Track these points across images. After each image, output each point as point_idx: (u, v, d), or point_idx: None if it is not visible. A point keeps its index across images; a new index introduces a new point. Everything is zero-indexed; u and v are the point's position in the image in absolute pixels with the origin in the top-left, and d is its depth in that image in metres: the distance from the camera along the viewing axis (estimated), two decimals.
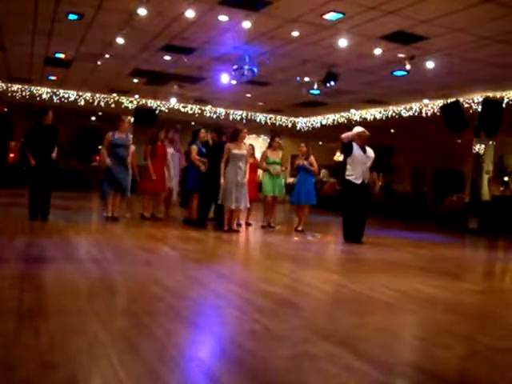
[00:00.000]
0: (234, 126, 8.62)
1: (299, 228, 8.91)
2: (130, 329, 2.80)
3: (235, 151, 7.76)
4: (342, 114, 17.20)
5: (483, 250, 9.46)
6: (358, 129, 7.82)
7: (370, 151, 7.74)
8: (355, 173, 7.49)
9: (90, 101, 16.83)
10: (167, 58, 11.21)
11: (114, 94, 16.78)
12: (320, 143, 23.62)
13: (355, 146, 7.55)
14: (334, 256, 7.03)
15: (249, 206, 8.27)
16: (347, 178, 7.56)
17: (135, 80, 14.10)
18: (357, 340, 2.89)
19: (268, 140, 10.53)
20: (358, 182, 7.48)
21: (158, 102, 17.46)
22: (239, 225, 8.79)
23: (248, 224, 9.23)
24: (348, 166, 7.56)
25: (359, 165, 7.51)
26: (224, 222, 7.90)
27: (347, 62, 10.40)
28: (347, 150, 7.61)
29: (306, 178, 8.86)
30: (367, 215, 7.68)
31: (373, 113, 15.91)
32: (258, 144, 17.33)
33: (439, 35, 8.33)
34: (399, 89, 12.55)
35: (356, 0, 7.18)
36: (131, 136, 8.41)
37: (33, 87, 16.11)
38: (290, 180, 9.85)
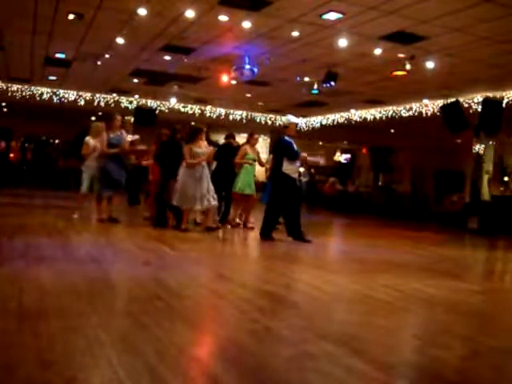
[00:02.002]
0: (195, 126, 8.47)
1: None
2: (130, 329, 2.80)
3: (196, 149, 7.62)
4: (342, 114, 17.18)
5: (483, 250, 9.45)
6: (292, 119, 7.68)
7: (295, 144, 7.58)
8: (293, 167, 7.40)
9: (90, 101, 16.82)
10: (167, 57, 11.20)
11: (114, 94, 16.77)
12: (320, 143, 23.63)
13: (292, 141, 7.43)
14: (333, 256, 7.03)
15: (215, 203, 7.93)
16: (285, 172, 7.35)
17: (135, 80, 14.09)
18: (357, 340, 2.89)
19: (268, 140, 10.49)
20: (295, 176, 7.47)
21: (158, 102, 17.46)
22: (252, 227, 8.76)
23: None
24: (285, 162, 7.35)
25: (294, 161, 7.45)
26: (183, 221, 7.66)
27: (347, 62, 10.39)
28: (294, 150, 7.43)
29: None
30: (299, 209, 7.59)
31: (373, 113, 15.89)
32: (258, 144, 17.27)
33: (439, 35, 8.33)
34: (399, 89, 12.53)
35: (356, 0, 7.18)
36: (125, 133, 8.32)
37: (33, 87, 16.09)
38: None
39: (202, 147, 7.76)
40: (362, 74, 11.38)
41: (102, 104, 16.96)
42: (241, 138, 10.95)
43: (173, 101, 17.14)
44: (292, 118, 7.73)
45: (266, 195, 8.69)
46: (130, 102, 17.22)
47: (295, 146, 7.42)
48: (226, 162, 8.63)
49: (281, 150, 7.55)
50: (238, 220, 8.95)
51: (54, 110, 17.23)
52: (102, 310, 3.16)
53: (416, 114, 14.41)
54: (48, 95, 16.36)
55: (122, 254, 5.60)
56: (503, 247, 10.43)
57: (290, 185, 7.38)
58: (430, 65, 9.87)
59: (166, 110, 17.61)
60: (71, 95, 16.57)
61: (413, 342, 3.14)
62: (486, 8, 6.99)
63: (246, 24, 8.42)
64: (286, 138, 7.52)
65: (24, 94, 16.12)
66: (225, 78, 11.59)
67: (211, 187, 7.71)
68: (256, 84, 13.11)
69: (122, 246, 6.07)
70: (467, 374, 2.59)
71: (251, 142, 9.08)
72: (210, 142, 8.73)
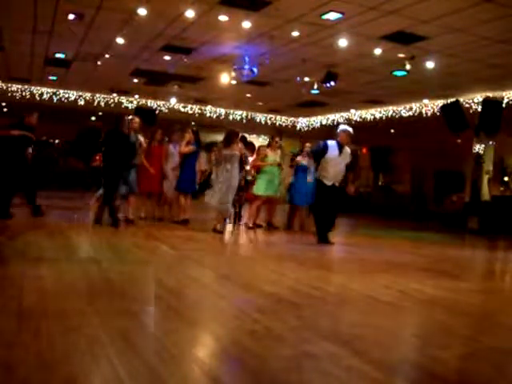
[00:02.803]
0: (231, 129, 8.43)
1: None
2: (130, 329, 2.80)
3: (226, 152, 7.73)
4: (342, 114, 17.20)
5: (483, 250, 9.45)
6: (347, 128, 7.58)
7: (346, 152, 7.48)
8: (327, 174, 7.32)
9: (90, 101, 16.83)
10: (167, 57, 11.20)
11: (114, 94, 16.77)
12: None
13: (331, 147, 7.33)
14: (334, 256, 7.02)
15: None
16: (319, 177, 7.38)
17: (135, 80, 14.09)
18: (357, 340, 2.89)
19: (268, 140, 10.54)
20: (329, 183, 7.32)
21: (158, 102, 17.46)
22: (259, 225, 9.09)
23: (258, 225, 9.18)
24: (320, 166, 7.37)
25: (332, 166, 7.33)
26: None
27: (347, 62, 10.39)
28: (321, 152, 7.40)
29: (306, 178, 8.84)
30: (335, 217, 7.51)
31: (373, 113, 15.90)
32: (258, 144, 17.27)
33: (439, 35, 8.33)
34: (399, 89, 12.54)
35: (356, 0, 7.18)
36: (140, 136, 8.33)
37: (33, 87, 16.10)
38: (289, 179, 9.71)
39: (234, 150, 7.82)
40: (362, 74, 11.38)
41: (102, 104, 16.97)
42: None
43: (173, 101, 17.15)
44: (343, 127, 7.59)
45: (297, 196, 9.04)
46: (130, 102, 17.23)
47: (325, 151, 7.31)
48: None
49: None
50: (249, 222, 9.00)
51: (54, 110, 17.23)
52: (102, 309, 3.16)
53: (416, 114, 14.43)
54: (48, 95, 16.36)
55: (123, 253, 5.60)
56: (503, 247, 10.42)
57: (319, 190, 7.38)
58: (430, 65, 9.88)
59: (166, 110, 17.62)
60: (71, 95, 16.58)
61: (413, 341, 3.14)
62: (486, 8, 6.99)
63: (246, 24, 8.43)
64: (329, 140, 7.44)
65: (24, 94, 16.13)
66: (225, 78, 11.60)
67: (224, 194, 7.68)
68: (256, 84, 13.12)
69: (122, 246, 6.07)
70: (467, 374, 2.59)
71: (272, 144, 9.25)
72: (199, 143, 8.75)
